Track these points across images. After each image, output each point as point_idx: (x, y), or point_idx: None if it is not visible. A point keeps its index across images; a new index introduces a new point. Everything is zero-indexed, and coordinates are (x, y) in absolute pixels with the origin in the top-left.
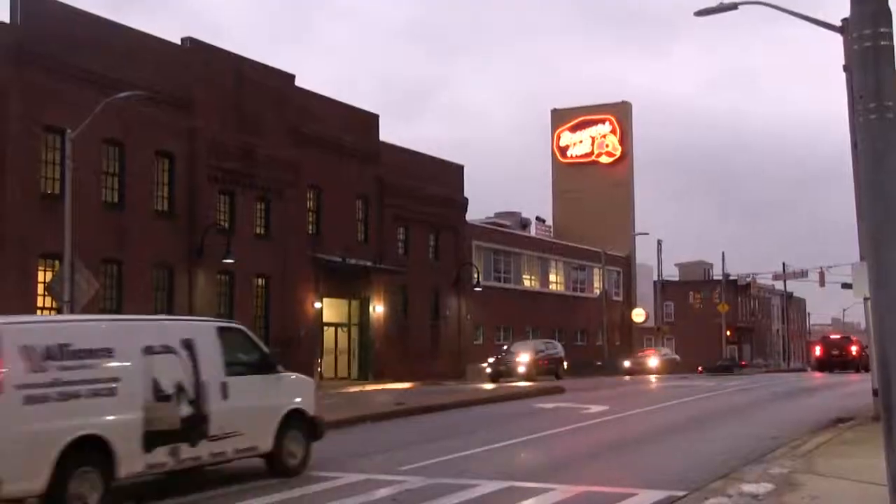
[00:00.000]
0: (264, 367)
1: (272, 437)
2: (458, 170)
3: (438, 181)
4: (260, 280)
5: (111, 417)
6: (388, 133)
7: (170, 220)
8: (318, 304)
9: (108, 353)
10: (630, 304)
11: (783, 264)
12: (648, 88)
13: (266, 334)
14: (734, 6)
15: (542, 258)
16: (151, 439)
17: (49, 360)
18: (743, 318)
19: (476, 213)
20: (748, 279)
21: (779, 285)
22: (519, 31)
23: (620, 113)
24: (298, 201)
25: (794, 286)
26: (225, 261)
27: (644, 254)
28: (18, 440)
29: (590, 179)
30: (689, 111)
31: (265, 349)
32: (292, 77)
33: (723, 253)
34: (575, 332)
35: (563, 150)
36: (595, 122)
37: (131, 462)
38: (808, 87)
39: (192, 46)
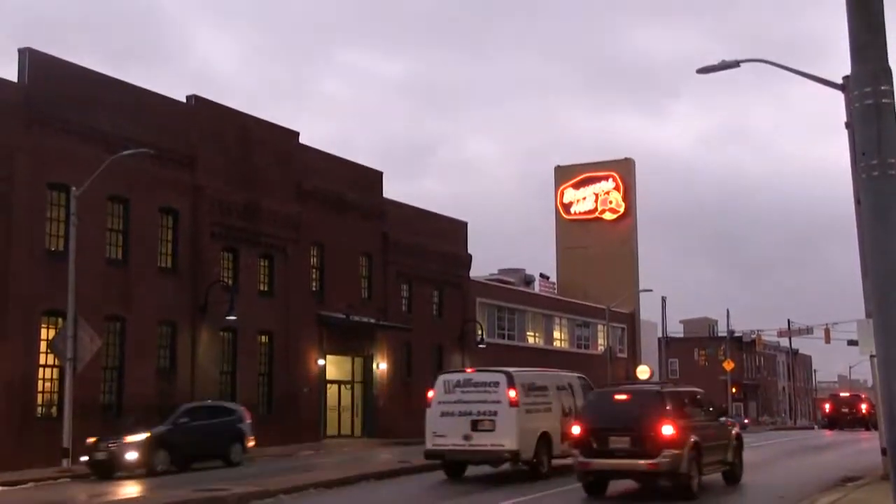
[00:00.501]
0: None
1: None
2: (461, 226)
3: (442, 238)
4: (263, 337)
5: (550, 423)
6: (391, 190)
7: (173, 276)
8: (321, 362)
9: (546, 389)
10: (635, 360)
11: (788, 321)
12: (650, 145)
13: (269, 392)
14: (736, 64)
15: (546, 315)
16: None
17: (529, 391)
18: (748, 375)
19: (480, 269)
20: (753, 336)
21: (784, 342)
22: (519, 87)
23: (623, 169)
24: (302, 258)
25: (799, 343)
26: (228, 317)
27: (648, 310)
28: (525, 432)
29: (593, 236)
30: (691, 167)
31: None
32: (296, 134)
33: (727, 309)
34: None
35: (567, 207)
36: (598, 179)
37: (557, 447)
38: (811, 143)
39: (197, 104)
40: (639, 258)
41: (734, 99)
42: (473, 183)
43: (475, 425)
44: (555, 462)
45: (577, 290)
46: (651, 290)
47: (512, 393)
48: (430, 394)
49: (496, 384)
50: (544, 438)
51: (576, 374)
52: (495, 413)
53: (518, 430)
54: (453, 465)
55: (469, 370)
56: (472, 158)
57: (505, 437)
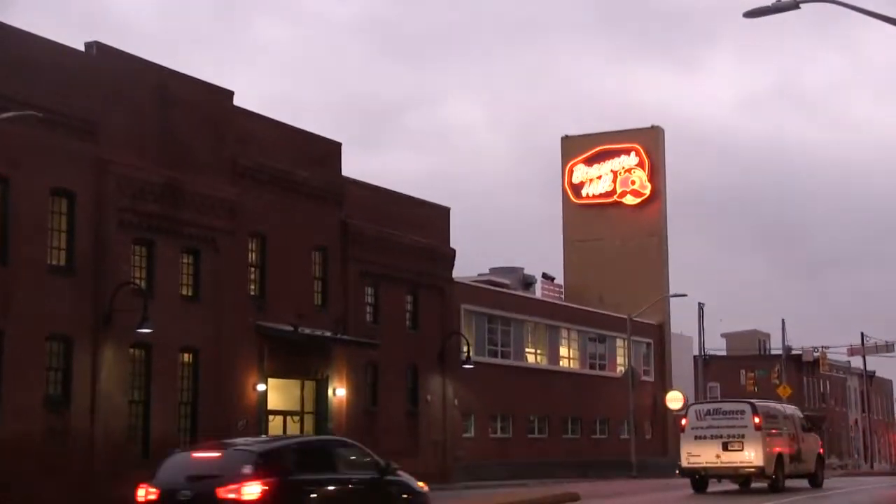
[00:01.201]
0: None
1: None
2: (442, 213)
3: (418, 228)
4: (186, 355)
5: (783, 446)
6: (352, 166)
7: (68, 277)
8: (261, 387)
9: (777, 417)
10: (664, 385)
11: (862, 335)
12: (682, 109)
13: (192, 426)
14: (795, 5)
15: (550, 326)
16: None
17: (766, 418)
18: (810, 404)
19: (466, 268)
20: (816, 354)
21: (856, 362)
22: (513, 32)
23: (650, 141)
24: (237, 253)
25: (876, 363)
26: (140, 330)
27: (682, 321)
28: (767, 452)
29: (611, 225)
30: (735, 138)
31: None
32: (229, 94)
33: (782, 320)
34: (594, 421)
35: (577, 188)
36: (618, 153)
37: (788, 466)
38: (890, 106)
39: (100, 55)
40: (669, 254)
41: (788, 50)
42: (456, 157)
43: (725, 446)
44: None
45: (591, 294)
46: (685, 296)
47: (756, 419)
48: (683, 422)
49: (742, 412)
50: (780, 458)
51: (793, 406)
52: (743, 436)
53: (763, 450)
54: (702, 481)
55: (717, 401)
56: (454, 125)
57: (752, 456)
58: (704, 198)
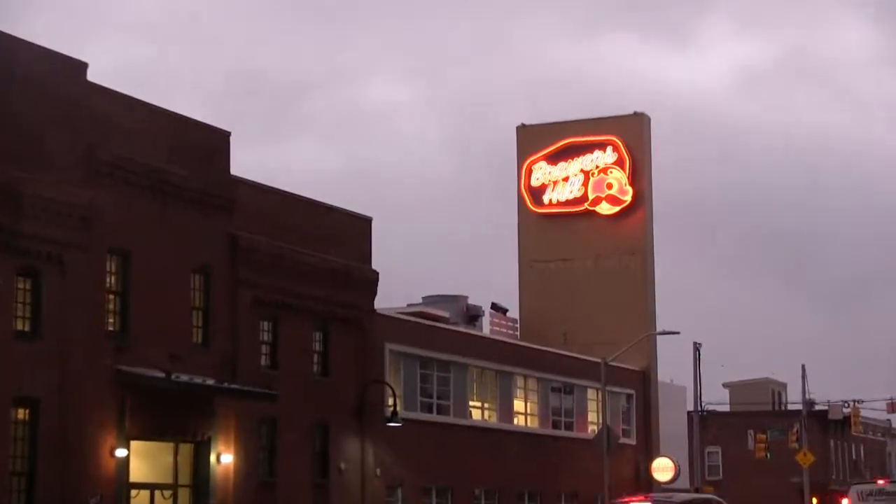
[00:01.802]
0: None
1: None
2: (362, 225)
3: (330, 243)
4: (21, 410)
5: None
6: (244, 161)
7: None
8: (121, 452)
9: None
10: (649, 450)
11: None
12: (670, 91)
13: (28, 502)
14: None
15: (501, 373)
16: None
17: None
18: (839, 475)
19: (392, 296)
20: (846, 410)
21: None
22: None
23: (631, 132)
24: (91, 276)
25: None
26: None
27: (672, 366)
28: None
29: (581, 241)
30: (737, 127)
31: None
32: (83, 67)
33: (803, 366)
34: (557, 496)
35: (537, 193)
36: (590, 147)
37: None
38: None
39: None
40: (656, 279)
41: (798, 13)
42: (379, 152)
43: None
44: None
45: (554, 331)
46: (677, 333)
47: None
48: (845, 501)
49: None
50: None
51: None
52: None
53: None
54: None
55: (881, 481)
56: (376, 111)
57: None
58: (701, 205)
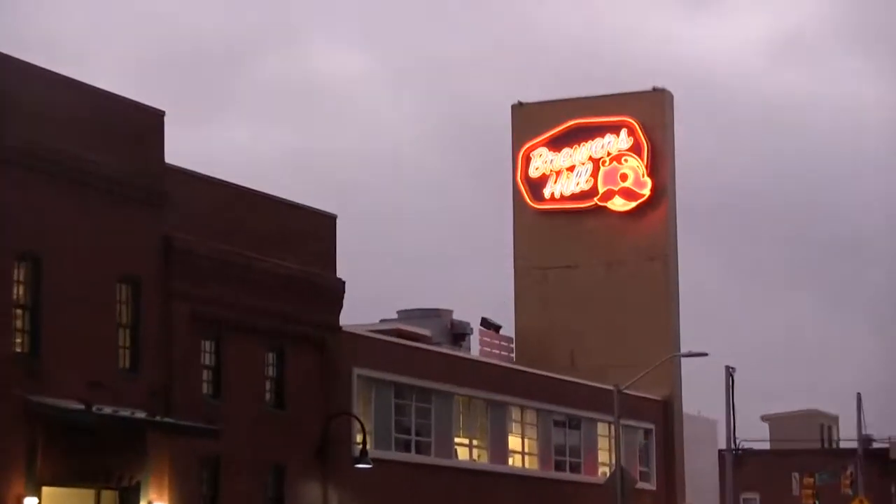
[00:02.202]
0: None
1: None
2: (324, 224)
3: (286, 246)
4: None
5: None
6: (180, 146)
7: None
8: (31, 501)
9: None
10: (672, 495)
11: None
12: (697, 62)
13: None
14: None
15: (493, 403)
16: None
17: None
18: None
19: (362, 311)
20: None
21: None
22: None
23: (650, 112)
24: None
25: None
26: None
27: (700, 395)
28: None
29: (590, 244)
30: (772, 103)
31: None
32: None
33: (858, 396)
34: None
35: (537, 186)
36: (600, 130)
37: None
38: None
39: None
40: (680, 289)
41: None
42: (339, 133)
43: None
44: None
45: (557, 352)
46: (706, 355)
47: None
48: None
49: None
50: None
51: None
52: None
53: None
54: None
55: None
56: (332, 82)
57: None
58: (736, 200)
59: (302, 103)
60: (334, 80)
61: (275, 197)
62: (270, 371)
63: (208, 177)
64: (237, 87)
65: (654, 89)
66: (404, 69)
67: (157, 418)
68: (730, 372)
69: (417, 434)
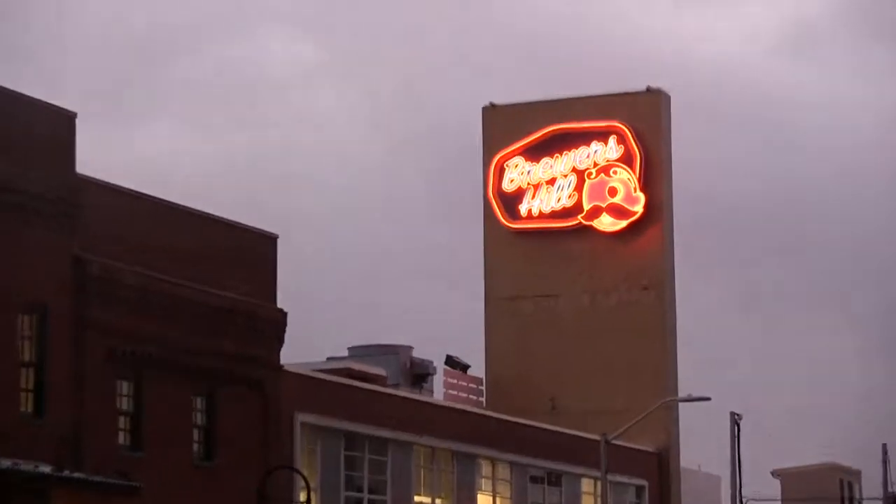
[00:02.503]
0: None
1: None
2: (262, 245)
3: (219, 272)
4: None
5: None
6: (94, 153)
7: None
8: None
9: None
10: None
11: None
12: (697, 58)
13: None
14: None
15: (460, 454)
16: None
17: None
18: None
19: (307, 347)
20: None
21: None
22: None
23: (644, 115)
24: None
25: None
26: None
27: (700, 445)
28: None
29: (574, 269)
30: (784, 105)
31: None
32: None
33: (883, 447)
34: None
35: (511, 201)
36: (585, 137)
37: None
38: None
39: None
40: (677, 322)
41: None
42: (285, 140)
43: None
44: None
45: (535, 396)
46: (708, 399)
47: None
48: None
49: None
50: None
51: None
52: None
53: None
54: None
55: None
56: (270, 77)
57: None
58: (742, 217)
59: (236, 102)
60: (273, 74)
61: (206, 214)
62: (199, 417)
63: (128, 190)
64: (164, 86)
65: (649, 90)
66: (356, 64)
67: (66, 473)
68: (735, 419)
69: (371, 492)
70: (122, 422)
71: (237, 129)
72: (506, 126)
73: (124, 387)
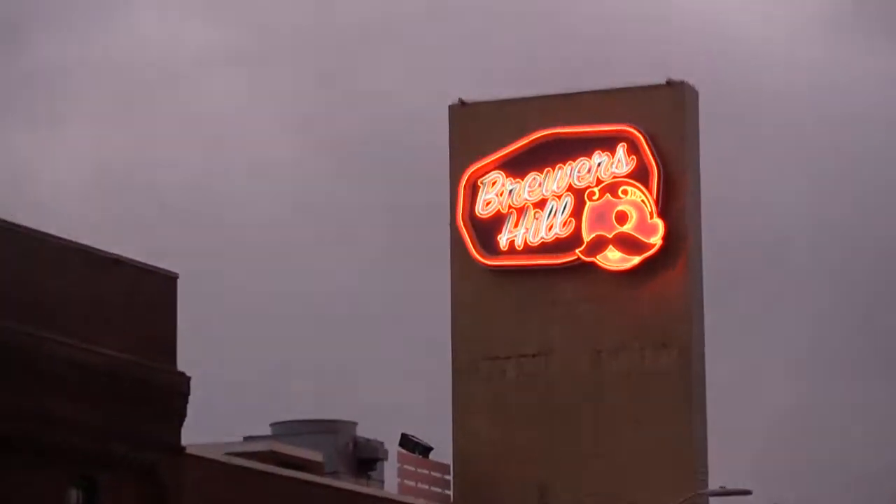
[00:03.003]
0: None
1: None
2: (161, 288)
3: (101, 322)
4: None
5: None
6: None
7: None
8: None
9: None
10: None
11: None
12: (724, 40)
13: None
14: None
15: None
16: None
17: None
18: None
19: (217, 423)
20: None
21: None
22: None
23: (663, 115)
24: None
25: None
26: None
27: None
28: None
29: (569, 319)
30: (838, 104)
31: None
32: None
33: None
34: None
35: (487, 230)
36: (585, 145)
37: None
38: None
39: None
40: (708, 388)
41: None
42: (181, 145)
43: None
44: None
45: (517, 486)
46: (749, 493)
47: None
48: None
49: None
50: None
51: None
52: None
53: None
54: None
55: None
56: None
57: None
58: (787, 250)
59: (117, 100)
60: (166, 63)
61: (84, 246)
62: None
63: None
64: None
65: (669, 83)
66: (275, 49)
67: None
68: None
69: None
70: None
71: (119, 134)
72: (480, 130)
73: None
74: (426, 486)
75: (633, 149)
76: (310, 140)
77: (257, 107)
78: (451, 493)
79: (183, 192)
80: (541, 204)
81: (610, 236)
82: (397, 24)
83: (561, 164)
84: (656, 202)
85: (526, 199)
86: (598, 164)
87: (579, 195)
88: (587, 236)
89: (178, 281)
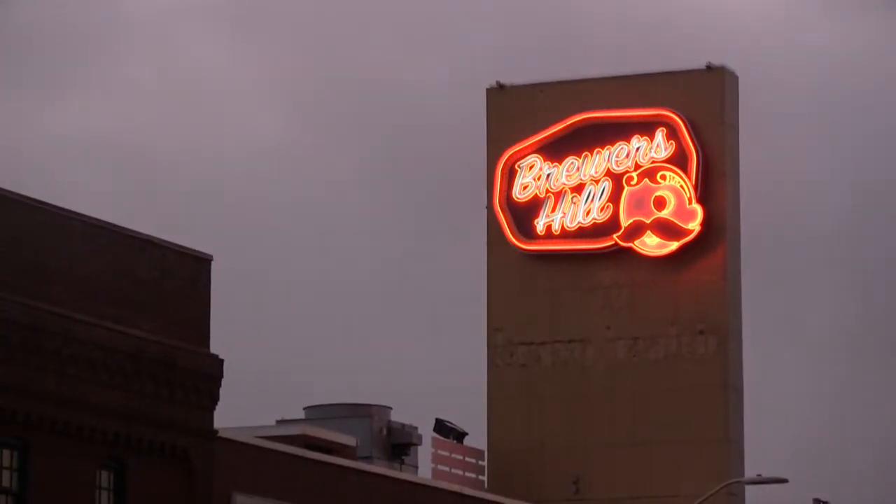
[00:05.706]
0: None
1: None
2: (194, 271)
3: (131, 305)
4: None
5: None
6: None
7: None
8: None
9: None
10: None
11: None
12: (770, 27)
13: None
14: None
15: None
16: None
17: None
18: None
19: (250, 407)
20: None
21: None
22: None
23: (702, 101)
24: None
25: None
26: None
27: None
28: None
29: (606, 306)
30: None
31: None
32: None
33: None
34: None
35: (523, 214)
36: (624, 130)
37: None
38: None
39: None
40: (745, 377)
41: None
42: (201, 127)
43: None
44: None
45: (552, 475)
46: (785, 481)
47: None
48: None
49: None
50: None
51: None
52: None
53: None
54: None
55: None
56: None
57: None
58: (835, 236)
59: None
60: (187, 42)
61: (114, 226)
62: (105, 497)
63: (16, 194)
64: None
65: (709, 67)
66: (288, 23)
67: None
68: None
69: None
70: (3, 501)
71: (137, 114)
72: (517, 114)
73: (4, 457)
74: (460, 472)
75: (672, 133)
76: (347, 122)
77: (288, 88)
78: (485, 478)
79: (210, 171)
80: (578, 188)
81: (648, 222)
82: (442, 7)
83: (599, 149)
84: (695, 187)
85: (563, 184)
86: (637, 149)
87: (617, 180)
88: (625, 221)
89: (211, 264)
